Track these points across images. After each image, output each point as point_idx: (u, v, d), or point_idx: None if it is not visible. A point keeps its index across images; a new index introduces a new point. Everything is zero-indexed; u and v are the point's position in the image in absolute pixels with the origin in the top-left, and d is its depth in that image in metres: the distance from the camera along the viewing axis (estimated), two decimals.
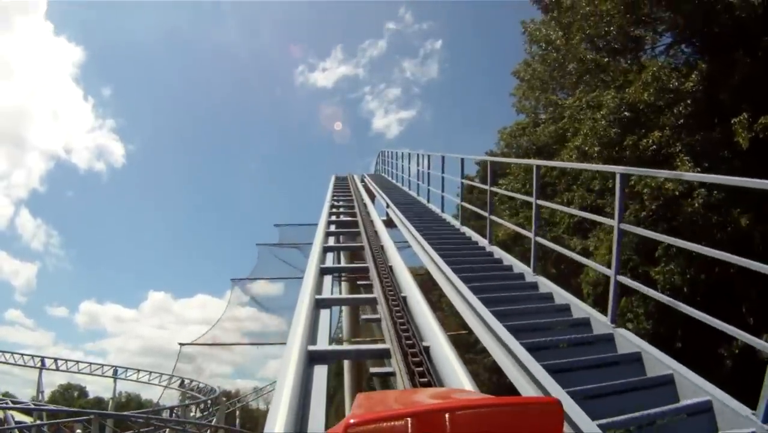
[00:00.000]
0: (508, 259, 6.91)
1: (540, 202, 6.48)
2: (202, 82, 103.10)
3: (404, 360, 2.71)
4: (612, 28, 10.78)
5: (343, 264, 9.35)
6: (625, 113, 9.10)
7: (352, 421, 0.96)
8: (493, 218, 7.94)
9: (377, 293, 4.21)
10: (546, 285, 5.62)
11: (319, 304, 3.96)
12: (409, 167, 15.88)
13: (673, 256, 10.08)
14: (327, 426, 2.15)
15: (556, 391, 3.20)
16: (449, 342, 2.95)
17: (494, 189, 8.36)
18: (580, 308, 4.86)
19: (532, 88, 15.71)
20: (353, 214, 9.52)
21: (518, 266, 6.45)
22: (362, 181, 16.27)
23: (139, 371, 27.57)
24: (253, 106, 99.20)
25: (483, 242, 8.02)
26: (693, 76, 8.67)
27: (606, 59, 10.90)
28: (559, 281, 6.39)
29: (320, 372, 2.81)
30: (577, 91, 12.35)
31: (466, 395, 1.73)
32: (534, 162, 7.39)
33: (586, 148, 9.38)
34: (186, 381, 26.15)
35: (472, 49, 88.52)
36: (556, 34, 10.63)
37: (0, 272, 79.96)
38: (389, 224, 9.86)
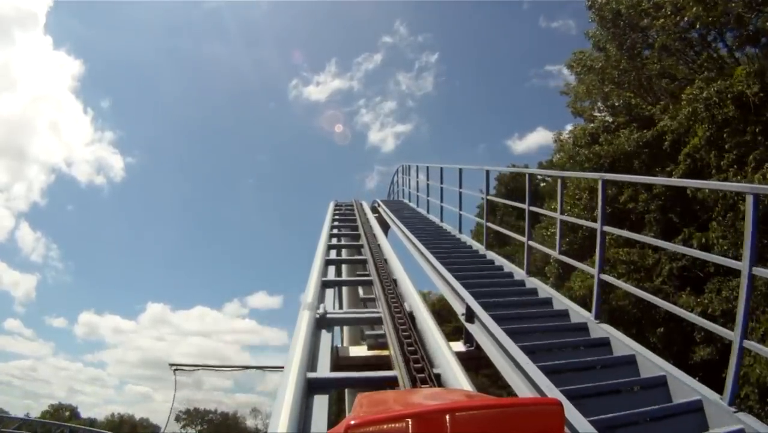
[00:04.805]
0: (656, 362, 3.93)
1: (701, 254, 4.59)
2: (197, 95, 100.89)
3: None
4: None
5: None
6: None
7: (352, 422, 0.94)
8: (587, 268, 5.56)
9: None
10: None
11: (319, 323, 3.41)
12: (426, 185, 11.82)
13: None
14: None
15: None
16: None
17: (608, 229, 5.14)
18: None
19: (604, 81, 11.57)
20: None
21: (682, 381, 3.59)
22: (375, 211, 11.84)
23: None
24: (249, 119, 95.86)
25: (583, 315, 5.08)
26: None
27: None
28: None
29: (320, 402, 2.43)
30: (697, 79, 8.20)
31: (466, 395, 1.60)
32: (751, 189, 3.37)
33: None
34: None
35: (468, 62, 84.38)
36: None
37: None
38: (476, 362, 5.04)
